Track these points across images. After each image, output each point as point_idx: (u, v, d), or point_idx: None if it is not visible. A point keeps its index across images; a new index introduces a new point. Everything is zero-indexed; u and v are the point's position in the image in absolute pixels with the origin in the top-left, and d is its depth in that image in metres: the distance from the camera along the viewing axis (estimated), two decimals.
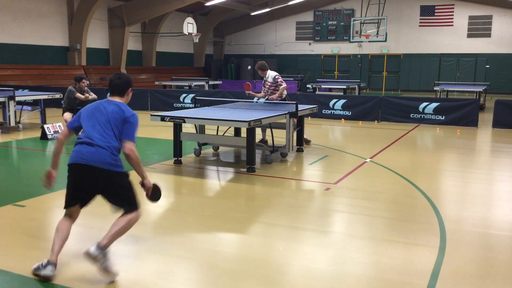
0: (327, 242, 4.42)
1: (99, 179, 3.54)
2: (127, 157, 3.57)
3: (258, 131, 8.80)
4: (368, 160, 8.02)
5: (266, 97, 8.98)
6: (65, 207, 3.68)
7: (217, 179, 7.00)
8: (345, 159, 8.25)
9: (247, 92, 9.09)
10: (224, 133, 8.90)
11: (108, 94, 3.86)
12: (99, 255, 3.42)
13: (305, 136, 9.42)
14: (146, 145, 9.48)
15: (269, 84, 8.84)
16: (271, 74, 8.83)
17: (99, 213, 5.06)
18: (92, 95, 9.63)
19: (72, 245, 4.22)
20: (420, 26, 27.90)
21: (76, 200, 3.67)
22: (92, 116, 3.63)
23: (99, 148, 3.50)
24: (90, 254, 3.42)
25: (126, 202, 3.61)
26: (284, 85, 8.78)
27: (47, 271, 3.45)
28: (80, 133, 3.73)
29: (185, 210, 5.29)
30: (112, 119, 3.58)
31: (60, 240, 3.58)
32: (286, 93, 9.03)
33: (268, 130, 8.56)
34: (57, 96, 11.60)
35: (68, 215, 3.69)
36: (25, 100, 12.06)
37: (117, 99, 3.75)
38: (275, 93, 8.80)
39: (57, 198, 5.67)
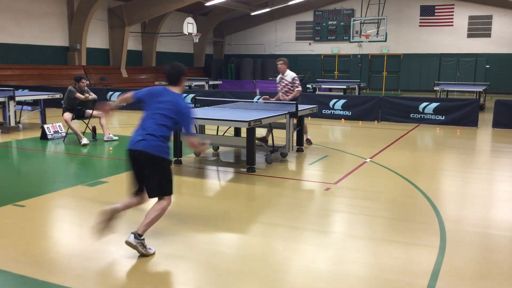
0: (327, 242, 4.42)
1: (144, 162, 3.89)
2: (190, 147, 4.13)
3: (262, 130, 8.80)
4: (368, 160, 8.02)
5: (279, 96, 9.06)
6: (132, 193, 4.08)
7: (217, 179, 7.00)
8: (345, 159, 8.25)
9: (265, 101, 9.12)
10: (224, 133, 8.90)
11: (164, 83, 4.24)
12: (138, 243, 3.83)
13: (308, 137, 9.43)
14: None
15: (285, 83, 8.92)
16: (290, 74, 8.95)
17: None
18: (92, 95, 9.63)
19: (73, 245, 4.22)
20: (420, 26, 27.91)
21: (137, 184, 4.02)
22: (151, 105, 4.01)
23: (150, 135, 3.87)
24: (130, 243, 3.82)
25: (161, 186, 3.94)
26: (299, 88, 8.89)
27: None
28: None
29: (185, 210, 5.29)
30: (166, 110, 3.94)
31: (124, 205, 4.00)
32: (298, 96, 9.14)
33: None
34: (57, 96, 11.60)
35: (131, 197, 4.07)
36: (25, 100, 12.05)
37: (172, 89, 4.10)
38: (288, 93, 8.89)
39: (57, 198, 5.68)
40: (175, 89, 4.11)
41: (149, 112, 3.99)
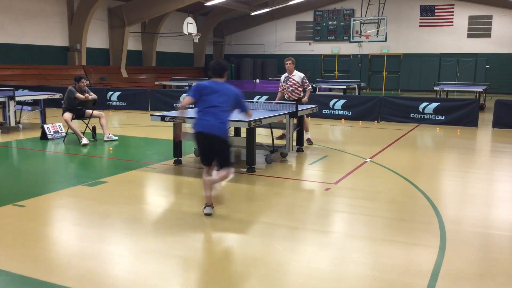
0: (327, 242, 4.42)
1: (215, 143, 4.81)
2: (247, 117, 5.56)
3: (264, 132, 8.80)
4: (368, 160, 8.02)
5: (284, 95, 9.14)
6: (203, 165, 5.07)
7: None
8: (345, 159, 8.25)
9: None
10: None
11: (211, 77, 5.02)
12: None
13: (309, 136, 9.45)
14: (146, 145, 9.48)
15: (293, 82, 9.00)
16: (298, 74, 9.07)
17: (99, 213, 5.07)
18: (92, 95, 9.63)
19: (72, 245, 4.23)
20: (420, 26, 27.91)
21: (207, 160, 4.99)
22: (211, 97, 4.79)
23: (218, 121, 4.74)
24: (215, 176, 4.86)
25: (225, 160, 4.89)
26: (309, 87, 9.11)
27: (208, 210, 4.98)
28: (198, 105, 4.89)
29: (185, 210, 5.29)
30: (225, 95, 4.84)
31: (208, 188, 4.95)
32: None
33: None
34: (57, 96, 11.60)
35: (206, 171, 5.01)
36: (25, 100, 12.05)
37: (219, 80, 4.94)
38: (295, 93, 9.04)
39: (57, 198, 5.68)
40: (222, 80, 4.94)
41: (213, 102, 4.77)
